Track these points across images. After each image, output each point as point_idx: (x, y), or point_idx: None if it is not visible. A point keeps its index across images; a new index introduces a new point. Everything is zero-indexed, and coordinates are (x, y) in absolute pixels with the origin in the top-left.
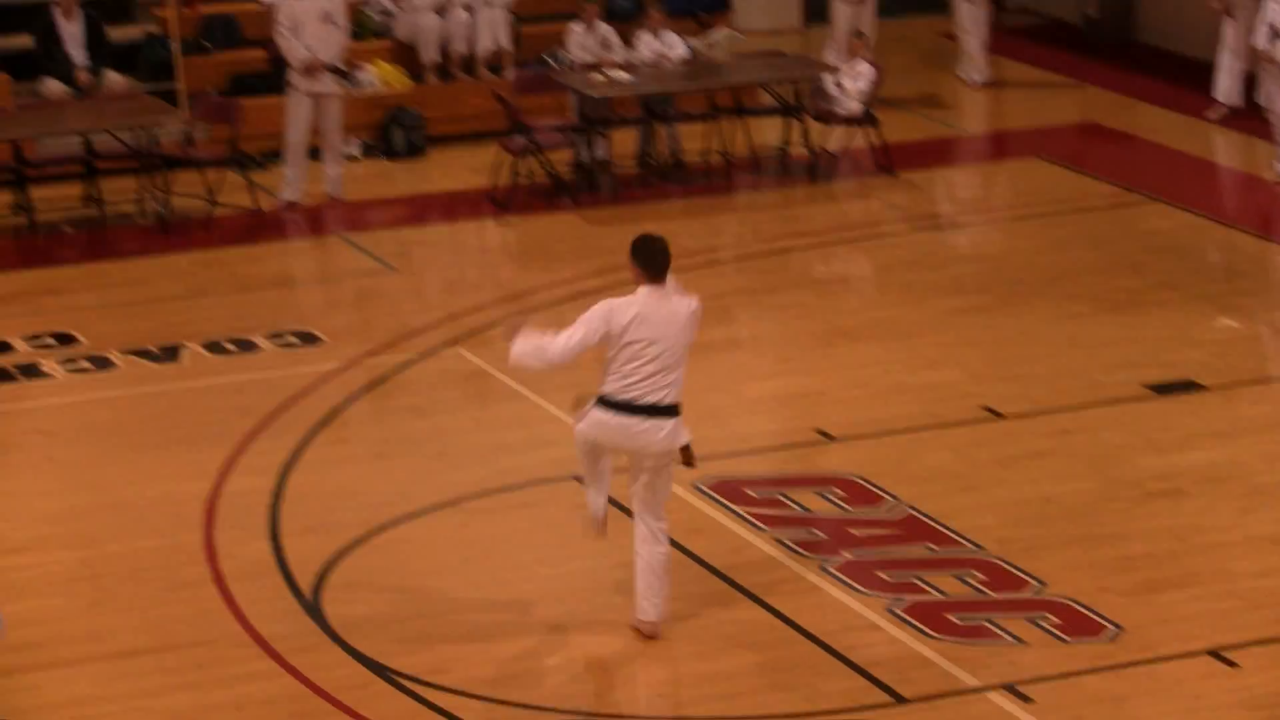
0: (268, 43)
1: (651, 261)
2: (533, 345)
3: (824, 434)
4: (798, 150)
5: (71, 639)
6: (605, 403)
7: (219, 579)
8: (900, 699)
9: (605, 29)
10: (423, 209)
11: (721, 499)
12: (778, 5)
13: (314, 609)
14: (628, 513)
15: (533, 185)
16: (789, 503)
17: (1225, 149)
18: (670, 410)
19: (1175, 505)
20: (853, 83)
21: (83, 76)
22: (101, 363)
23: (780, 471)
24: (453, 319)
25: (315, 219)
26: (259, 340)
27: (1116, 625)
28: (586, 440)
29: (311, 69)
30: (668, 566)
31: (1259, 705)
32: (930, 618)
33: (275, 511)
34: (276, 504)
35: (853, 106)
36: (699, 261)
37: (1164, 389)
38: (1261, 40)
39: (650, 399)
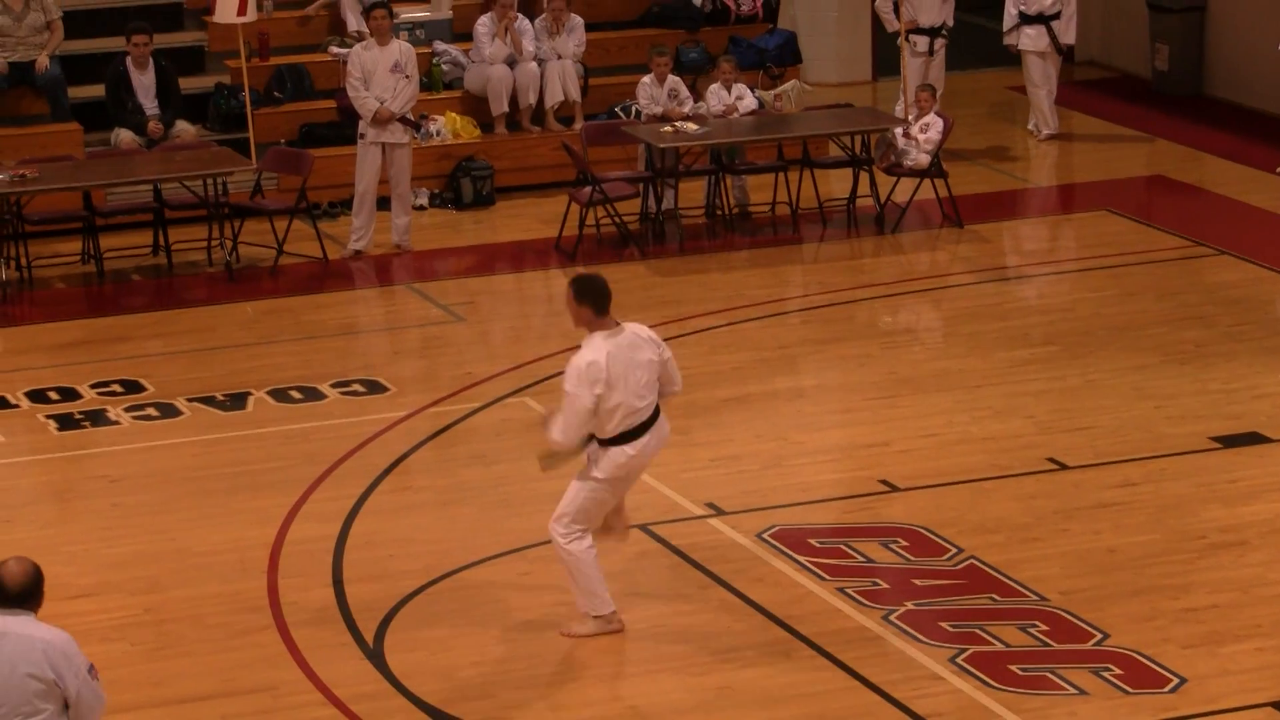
0: (338, 93)
1: (601, 298)
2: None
3: (888, 484)
4: (865, 202)
5: (134, 684)
6: (617, 440)
7: (282, 626)
8: None
9: (675, 80)
10: (490, 259)
11: (784, 548)
12: (847, 58)
13: (377, 656)
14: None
15: (600, 236)
16: (852, 553)
17: None
18: (657, 412)
19: (1239, 557)
20: (921, 134)
21: (153, 126)
22: (168, 410)
23: (843, 521)
24: (518, 368)
25: (383, 268)
26: (325, 388)
27: (1180, 677)
28: (605, 490)
29: (381, 119)
30: None
31: None
32: (992, 668)
33: (339, 558)
34: (340, 551)
35: (921, 159)
36: (765, 311)
37: (1230, 441)
38: None
39: (644, 416)
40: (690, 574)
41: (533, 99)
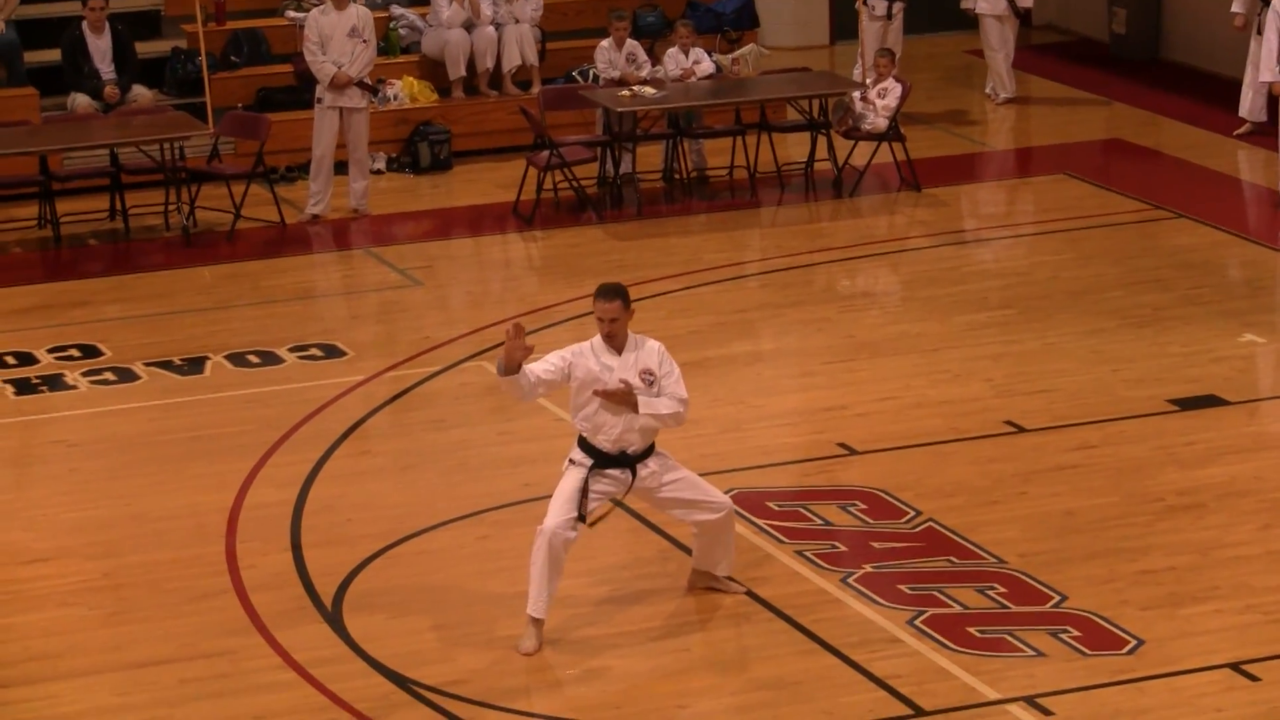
0: (295, 58)
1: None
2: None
3: (846, 448)
4: (823, 166)
5: (92, 649)
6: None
7: (240, 590)
8: (920, 711)
9: (633, 45)
10: (447, 223)
11: (743, 512)
12: (805, 22)
13: (335, 620)
14: (650, 525)
15: (558, 200)
16: (811, 516)
17: (1250, 165)
18: None
19: (1197, 520)
20: (879, 99)
21: (110, 91)
22: (125, 374)
23: (802, 485)
24: (476, 333)
25: (340, 233)
26: (283, 353)
27: (1138, 639)
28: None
29: (338, 84)
30: None
31: None
32: (951, 631)
33: (297, 523)
34: (298, 516)
35: (879, 123)
36: (723, 275)
37: (1187, 404)
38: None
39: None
40: (649, 538)
41: (490, 63)
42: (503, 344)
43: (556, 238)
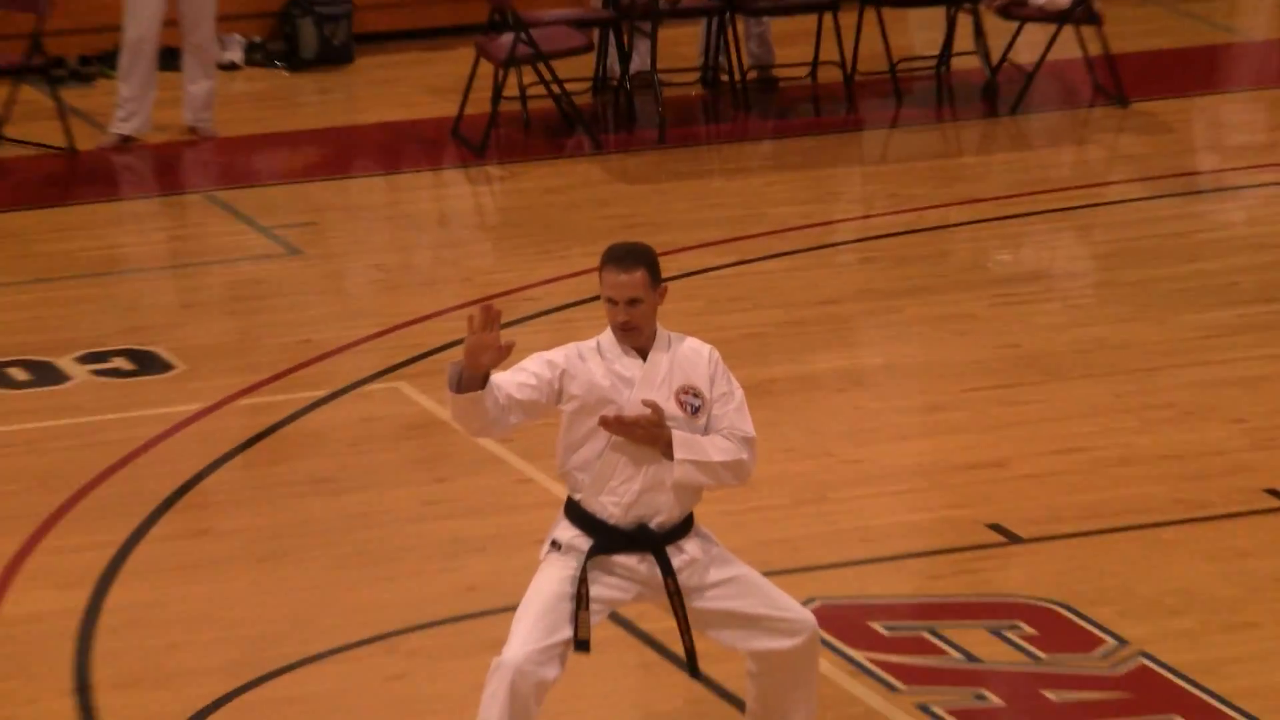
0: None
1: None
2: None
3: (1003, 531)
4: (966, 63)
5: None
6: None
7: None
8: None
9: None
10: (345, 152)
11: (831, 639)
12: None
13: None
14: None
15: (527, 116)
16: (943, 645)
17: None
18: None
19: None
20: None
21: None
22: None
23: (929, 594)
24: (390, 334)
25: (167, 166)
26: (68, 364)
27: None
28: None
29: None
30: None
31: None
32: None
33: (86, 648)
34: (88, 636)
35: None
36: (799, 243)
37: None
38: None
39: None
40: (671, 678)
41: None
42: (455, 343)
43: (526, 177)
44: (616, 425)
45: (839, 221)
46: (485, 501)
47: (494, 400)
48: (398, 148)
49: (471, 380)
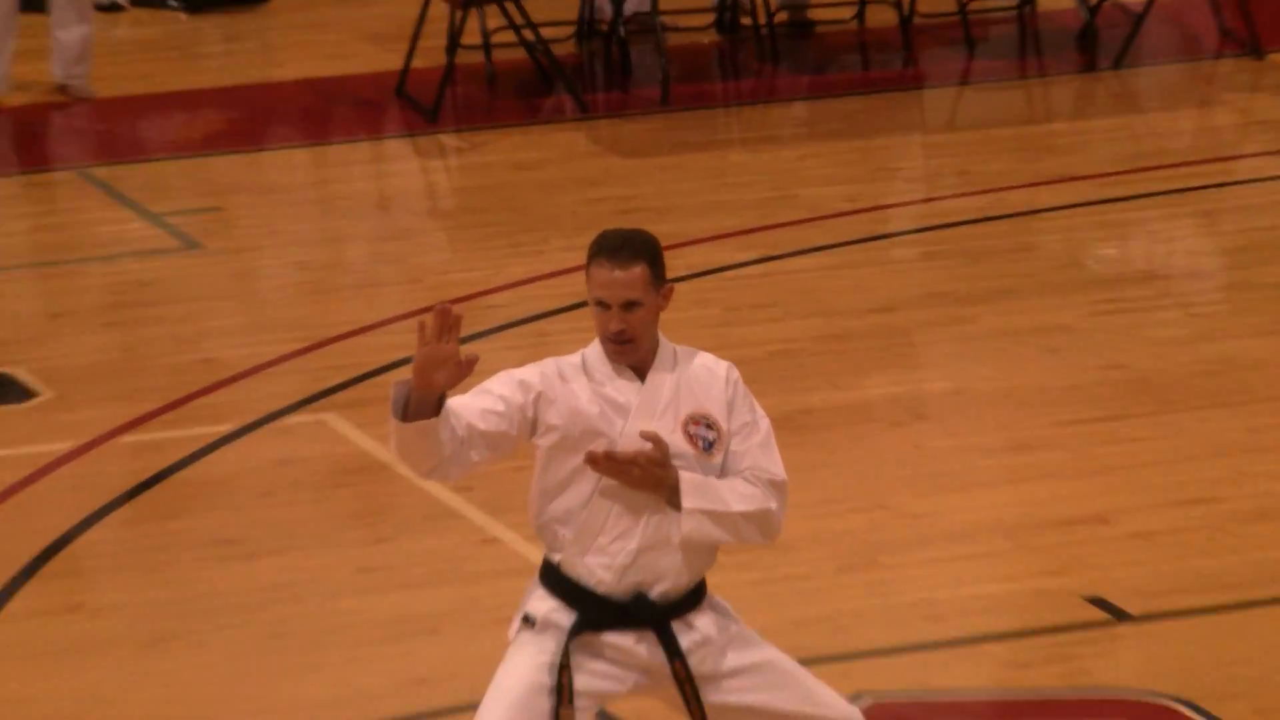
0: None
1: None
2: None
3: (1108, 608)
4: (1056, 2)
5: None
6: None
7: None
8: None
9: None
10: (258, 119)
11: None
12: None
13: None
14: None
15: (492, 69)
16: None
17: None
18: None
19: None
20: None
21: None
22: None
23: (1013, 687)
24: (314, 351)
25: (30, 134)
26: None
27: None
28: None
29: None
30: None
31: None
32: None
33: None
34: None
35: None
36: (841, 234)
37: None
38: None
39: None
40: None
41: None
42: (401, 362)
43: (490, 149)
44: (607, 464)
45: (894, 206)
46: (438, 568)
47: (450, 431)
48: (326, 111)
49: (422, 405)
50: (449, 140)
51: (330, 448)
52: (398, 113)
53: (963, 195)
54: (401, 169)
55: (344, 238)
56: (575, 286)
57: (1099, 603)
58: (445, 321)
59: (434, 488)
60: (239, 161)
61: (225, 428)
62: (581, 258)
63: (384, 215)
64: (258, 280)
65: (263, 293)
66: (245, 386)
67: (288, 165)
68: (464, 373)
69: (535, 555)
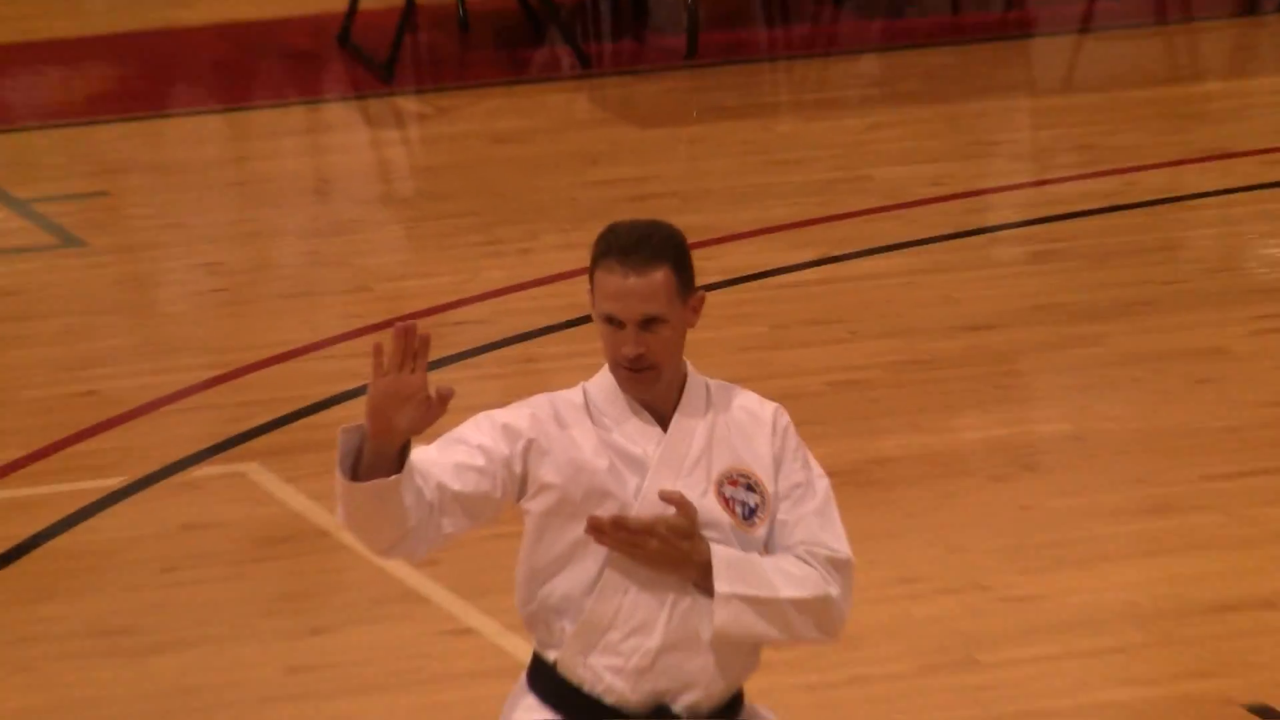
0: None
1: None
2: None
3: (1273, 717)
4: None
5: None
6: None
7: None
8: None
9: None
10: (158, 76)
11: None
12: None
13: None
14: None
15: (464, 13)
16: None
17: None
18: None
19: None
20: None
21: None
22: None
23: None
24: (230, 380)
25: None
26: None
27: None
28: None
29: None
30: None
31: None
32: None
33: None
34: None
35: None
36: (927, 225)
37: None
38: None
39: None
40: None
41: None
42: (350, 394)
43: (462, 115)
44: (616, 535)
45: (992, 191)
46: (393, 667)
47: (416, 494)
48: (247, 67)
49: (379, 458)
50: (407, 104)
51: (251, 509)
52: (340, 68)
53: (1084, 177)
54: (345, 142)
55: (270, 232)
56: (574, 297)
57: (1264, 712)
58: (409, 345)
59: (390, 564)
60: (132, 131)
61: (114, 482)
62: (581, 259)
63: (322, 203)
64: (156, 289)
65: (162, 305)
66: (140, 428)
67: (196, 137)
68: (434, 413)
69: (522, 652)
